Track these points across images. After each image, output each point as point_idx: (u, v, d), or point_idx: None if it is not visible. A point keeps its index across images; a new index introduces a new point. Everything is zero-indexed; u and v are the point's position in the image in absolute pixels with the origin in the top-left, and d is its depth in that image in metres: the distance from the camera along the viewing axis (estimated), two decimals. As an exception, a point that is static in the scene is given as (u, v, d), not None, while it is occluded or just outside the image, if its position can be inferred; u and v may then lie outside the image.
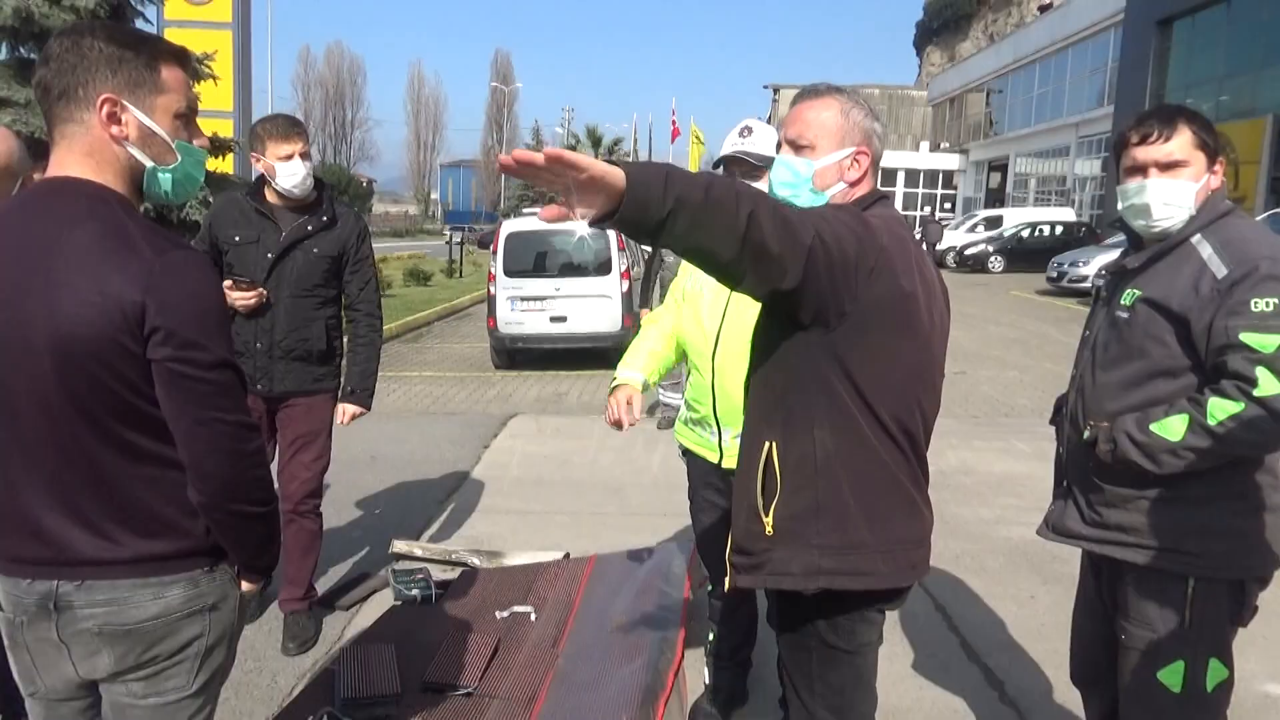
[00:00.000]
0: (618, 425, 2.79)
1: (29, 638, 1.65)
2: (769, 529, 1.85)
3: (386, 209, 76.99)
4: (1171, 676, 2.12)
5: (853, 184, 1.95)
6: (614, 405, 2.81)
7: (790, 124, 1.97)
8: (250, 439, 1.63)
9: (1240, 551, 2.08)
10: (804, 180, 1.94)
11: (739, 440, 2.60)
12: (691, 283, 2.89)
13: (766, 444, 1.85)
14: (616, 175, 1.39)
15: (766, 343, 1.89)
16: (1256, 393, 1.91)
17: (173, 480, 1.60)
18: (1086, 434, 2.19)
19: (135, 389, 1.54)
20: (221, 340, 1.59)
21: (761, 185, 2.64)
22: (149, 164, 1.61)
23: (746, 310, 2.62)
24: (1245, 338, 1.92)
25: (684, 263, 2.98)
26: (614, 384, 2.89)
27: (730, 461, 2.74)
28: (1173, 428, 2.00)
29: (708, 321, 2.80)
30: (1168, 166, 2.10)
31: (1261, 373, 1.91)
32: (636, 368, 2.96)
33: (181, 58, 1.65)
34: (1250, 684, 3.34)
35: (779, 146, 2.01)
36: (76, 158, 1.58)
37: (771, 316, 1.87)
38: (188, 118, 1.65)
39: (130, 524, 1.60)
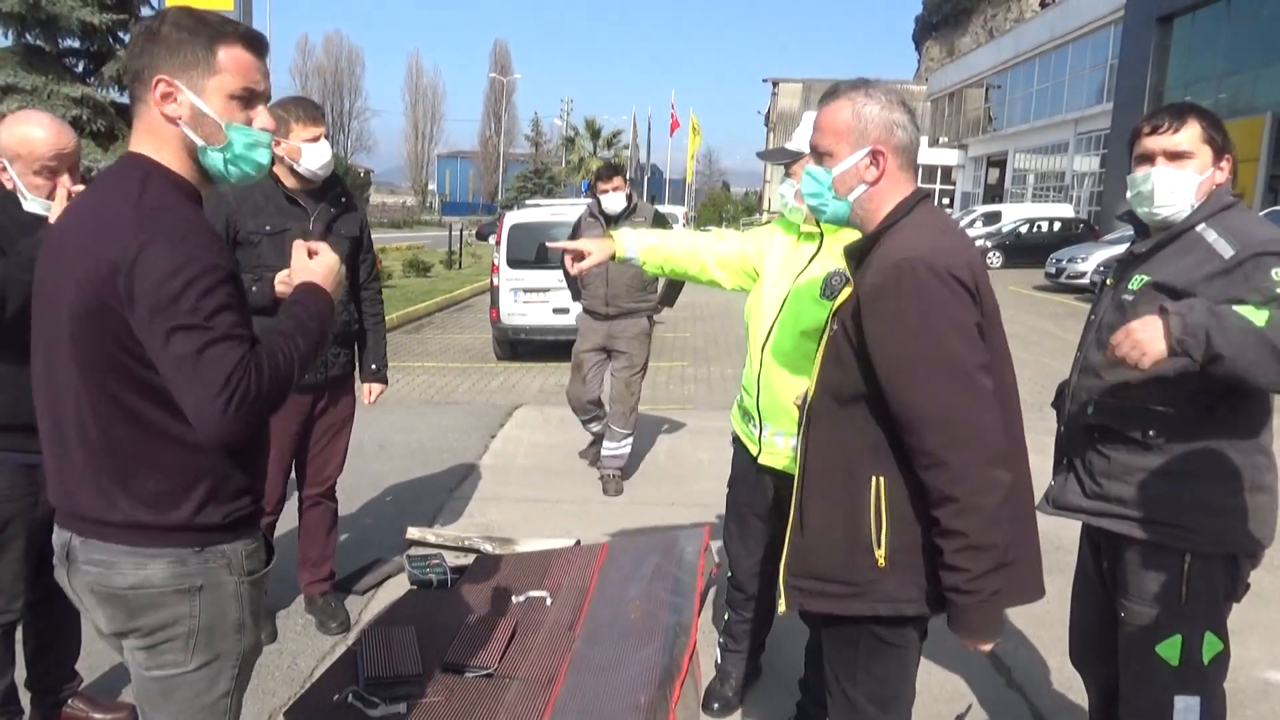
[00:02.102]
0: (564, 254, 2.94)
1: (62, 580, 1.78)
2: (882, 561, 1.86)
3: (384, 200, 76.74)
4: (1169, 650, 2.20)
5: (873, 183, 1.89)
6: (581, 244, 2.82)
7: (814, 131, 1.96)
8: (226, 388, 1.53)
9: (1233, 528, 2.16)
10: (825, 188, 1.93)
11: (793, 447, 2.61)
12: (767, 258, 2.86)
13: (874, 479, 1.85)
14: None
15: (870, 389, 1.84)
16: None
17: (171, 454, 1.64)
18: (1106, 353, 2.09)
19: (129, 351, 1.58)
20: (193, 300, 1.53)
21: (790, 183, 2.72)
22: (201, 143, 1.66)
23: (806, 309, 2.65)
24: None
25: (767, 229, 2.97)
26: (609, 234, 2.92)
27: (767, 459, 2.79)
28: (1256, 315, 1.92)
29: (766, 307, 2.79)
30: (1174, 156, 2.19)
31: None
32: (642, 244, 2.88)
33: (249, 40, 1.68)
34: (1252, 671, 3.42)
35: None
36: (141, 136, 1.67)
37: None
38: (245, 99, 1.68)
39: (127, 490, 1.65)
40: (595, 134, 55.96)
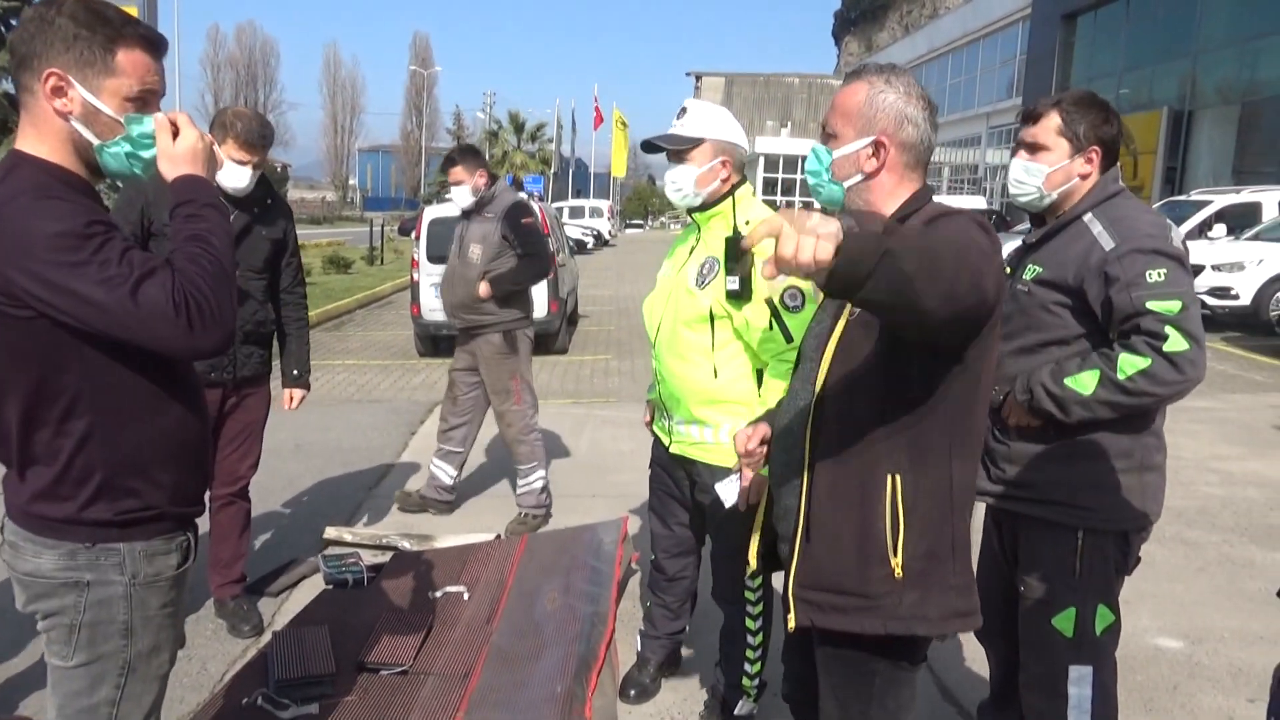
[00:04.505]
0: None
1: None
2: (898, 571, 1.67)
3: (302, 195, 74.82)
4: (1064, 623, 2.30)
5: (870, 175, 1.78)
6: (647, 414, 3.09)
7: (830, 108, 1.85)
8: (177, 309, 1.53)
9: (1125, 505, 2.28)
10: (823, 168, 1.83)
11: (689, 429, 2.72)
12: (663, 269, 2.94)
13: (890, 478, 1.67)
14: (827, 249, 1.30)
15: (887, 374, 1.67)
16: (1165, 348, 2.10)
17: (60, 447, 1.64)
18: (994, 397, 2.34)
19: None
20: (50, 266, 1.49)
21: (686, 168, 2.70)
22: (95, 141, 1.63)
23: (683, 300, 2.73)
24: (1152, 305, 2.11)
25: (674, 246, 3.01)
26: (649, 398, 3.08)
27: (677, 448, 2.83)
28: (1084, 382, 2.18)
29: (656, 303, 2.88)
30: (1032, 148, 2.35)
31: (1170, 330, 2.10)
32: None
33: (148, 42, 1.66)
34: (1142, 638, 3.59)
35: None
36: (25, 125, 1.64)
37: (897, 349, 1.64)
38: (142, 101, 1.66)
39: (25, 479, 1.67)
40: (519, 128, 55.56)
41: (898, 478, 1.67)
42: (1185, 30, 21.07)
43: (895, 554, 1.67)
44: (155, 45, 1.67)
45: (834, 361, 1.72)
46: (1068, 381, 2.19)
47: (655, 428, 3.01)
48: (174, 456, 1.74)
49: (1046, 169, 2.32)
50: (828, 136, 1.83)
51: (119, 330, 1.53)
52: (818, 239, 1.28)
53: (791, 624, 1.78)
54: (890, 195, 1.79)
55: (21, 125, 1.65)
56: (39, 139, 1.62)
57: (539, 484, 4.84)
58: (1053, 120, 2.31)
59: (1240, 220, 13.53)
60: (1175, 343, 2.10)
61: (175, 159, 1.68)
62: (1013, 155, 2.42)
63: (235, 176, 3.36)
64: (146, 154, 1.69)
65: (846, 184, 1.80)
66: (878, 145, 1.76)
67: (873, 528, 1.68)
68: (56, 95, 1.59)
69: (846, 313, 1.72)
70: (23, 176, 1.58)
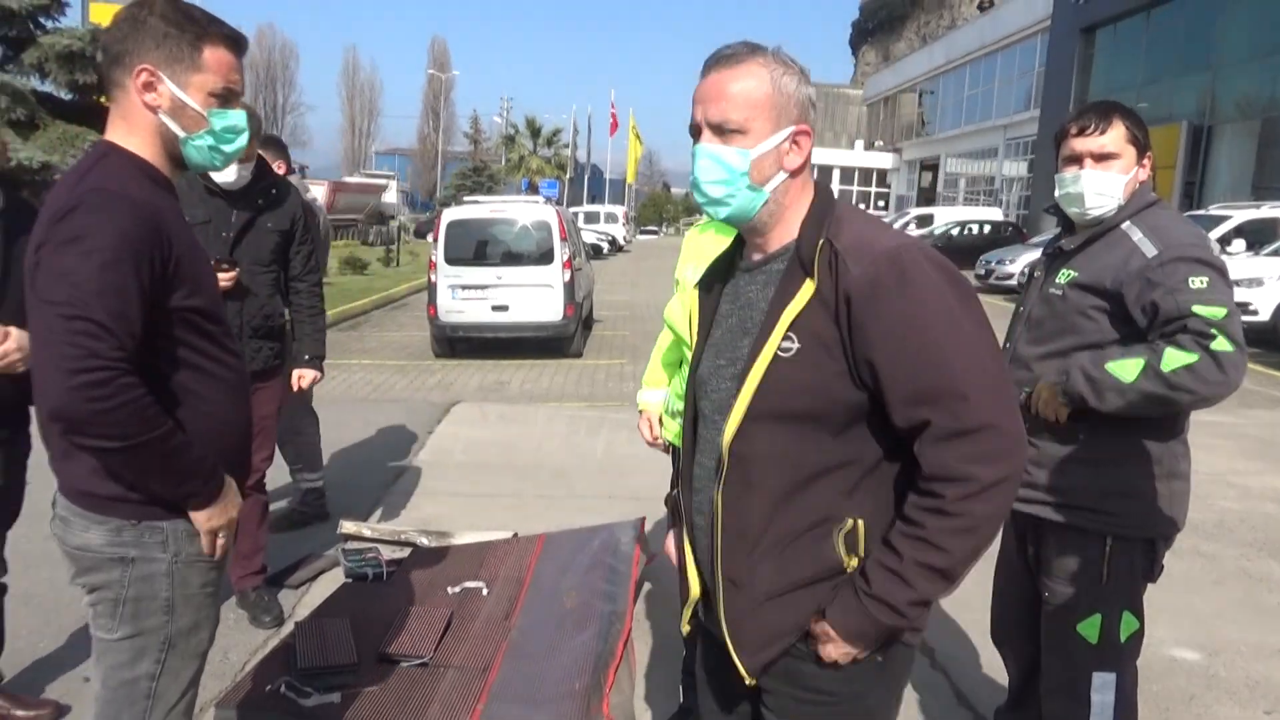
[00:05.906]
0: (654, 443, 3.06)
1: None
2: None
3: (318, 196, 75.27)
4: (1089, 629, 2.30)
5: (795, 172, 1.54)
6: (644, 430, 3.08)
7: (710, 101, 1.51)
8: (87, 372, 1.53)
9: (1153, 512, 2.28)
10: (738, 174, 1.51)
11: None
12: (685, 270, 2.82)
13: (852, 523, 1.50)
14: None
15: (846, 417, 1.49)
16: (1213, 346, 2.08)
17: None
18: (1026, 389, 2.32)
19: None
20: (88, 293, 1.54)
21: None
22: (181, 134, 1.74)
23: None
24: (1197, 309, 2.10)
25: (683, 245, 2.91)
26: (639, 408, 3.10)
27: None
28: (1128, 368, 2.14)
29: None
30: (1101, 158, 2.29)
31: (1216, 332, 2.09)
32: (655, 386, 3.09)
33: (232, 40, 1.78)
34: (1159, 649, 3.59)
35: (694, 130, 1.56)
36: (114, 121, 1.75)
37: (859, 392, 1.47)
38: (225, 98, 1.77)
39: (74, 456, 1.72)
40: (535, 132, 55.70)
41: (861, 523, 1.51)
42: (1205, 44, 21.03)
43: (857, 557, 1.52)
44: (238, 44, 1.79)
45: (762, 395, 1.49)
46: (1109, 366, 2.15)
47: (675, 438, 2.84)
48: (218, 440, 1.80)
49: (1125, 177, 2.28)
50: (729, 133, 1.51)
51: (33, 329, 1.59)
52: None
53: (750, 681, 1.58)
54: (801, 193, 1.57)
55: (111, 119, 1.75)
56: (129, 132, 1.73)
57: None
58: (1120, 127, 2.28)
59: (1259, 235, 13.48)
60: (1221, 343, 2.08)
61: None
62: (1063, 168, 2.36)
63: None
64: (228, 147, 1.80)
65: (768, 187, 1.53)
66: (800, 135, 1.53)
67: (831, 577, 1.52)
68: (147, 90, 1.70)
69: (775, 346, 1.49)
70: (111, 165, 1.68)
